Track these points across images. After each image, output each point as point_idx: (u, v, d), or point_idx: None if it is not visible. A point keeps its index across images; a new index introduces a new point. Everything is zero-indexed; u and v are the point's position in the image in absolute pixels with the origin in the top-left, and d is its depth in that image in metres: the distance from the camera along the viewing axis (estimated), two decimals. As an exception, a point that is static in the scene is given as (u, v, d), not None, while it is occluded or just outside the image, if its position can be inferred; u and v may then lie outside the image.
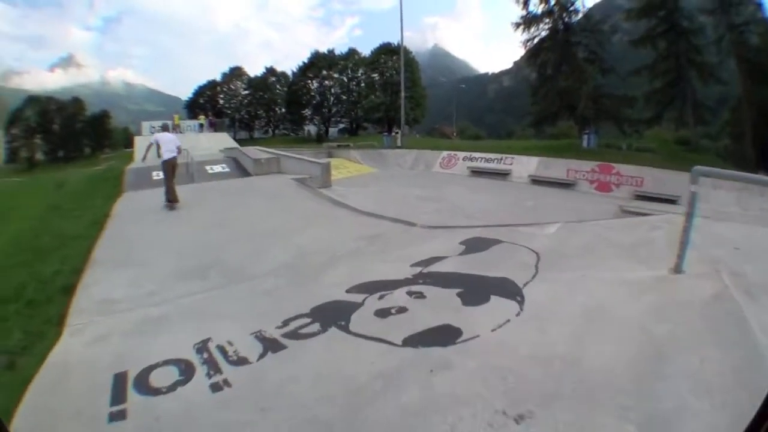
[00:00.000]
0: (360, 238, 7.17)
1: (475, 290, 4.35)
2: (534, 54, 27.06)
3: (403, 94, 34.99)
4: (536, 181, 17.86)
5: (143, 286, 5.43)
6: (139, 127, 40.25)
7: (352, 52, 70.00)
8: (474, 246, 6.11)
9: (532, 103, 29.09)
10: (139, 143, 29.68)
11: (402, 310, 3.99)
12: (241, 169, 17.51)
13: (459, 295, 4.25)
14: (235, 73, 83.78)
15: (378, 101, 60.91)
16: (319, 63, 68.51)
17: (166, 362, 3.38)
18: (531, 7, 25.94)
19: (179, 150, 11.17)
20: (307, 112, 71.47)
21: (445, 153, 23.03)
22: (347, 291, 4.59)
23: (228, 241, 7.40)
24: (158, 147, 11.06)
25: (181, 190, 11.36)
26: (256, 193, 12.40)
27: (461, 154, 22.04)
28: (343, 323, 3.82)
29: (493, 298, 4.10)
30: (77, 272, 5.98)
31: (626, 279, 4.35)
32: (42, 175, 37.29)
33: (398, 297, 4.32)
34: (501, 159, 20.09)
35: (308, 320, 3.93)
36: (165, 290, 5.30)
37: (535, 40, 26.46)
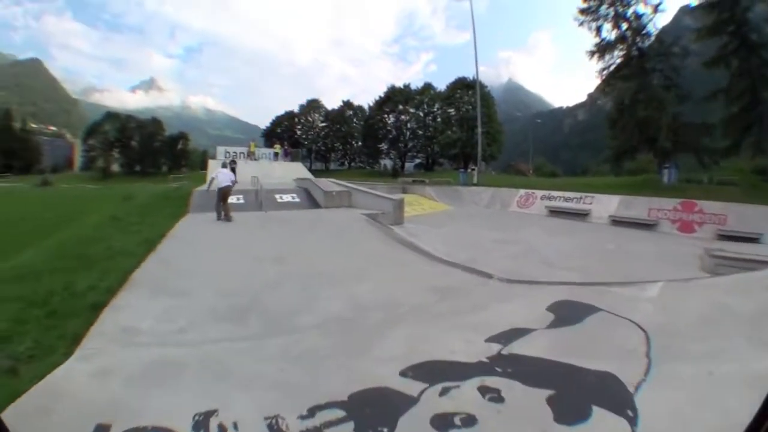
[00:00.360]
0: (428, 290, 6.19)
1: (571, 394, 3.05)
2: (609, 83, 25.86)
3: (480, 129, 33.96)
4: (617, 221, 16.45)
5: (173, 320, 4.96)
6: (215, 151, 41.52)
7: (427, 87, 69.79)
8: (564, 315, 4.78)
9: (610, 137, 27.50)
10: (212, 166, 30.81)
11: (470, 420, 2.79)
12: (311, 201, 17.34)
13: (550, 401, 2.96)
14: (313, 105, 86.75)
15: (454, 137, 59.94)
16: (395, 97, 69.06)
17: (155, 430, 2.71)
18: (604, 34, 25.09)
19: (233, 182, 13.69)
20: (384, 146, 71.79)
21: (522, 191, 21.82)
22: (401, 374, 3.47)
23: (280, 279, 6.73)
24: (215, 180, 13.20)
25: (245, 218, 12.17)
26: (322, 226, 11.99)
27: (539, 193, 20.82)
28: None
29: (596, 412, 2.79)
30: (111, 291, 5.74)
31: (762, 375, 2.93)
32: (115, 186, 39.23)
33: (467, 395, 3.13)
34: (580, 198, 18.80)
35: (341, 414, 2.90)
36: (194, 329, 4.76)
37: (611, 68, 25.32)
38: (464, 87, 62.03)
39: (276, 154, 40.84)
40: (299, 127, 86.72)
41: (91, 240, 8.95)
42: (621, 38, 24.61)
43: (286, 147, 48.13)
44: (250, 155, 38.16)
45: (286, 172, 27.44)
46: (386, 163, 71.59)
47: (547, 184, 27.13)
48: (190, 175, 55.60)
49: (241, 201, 16.49)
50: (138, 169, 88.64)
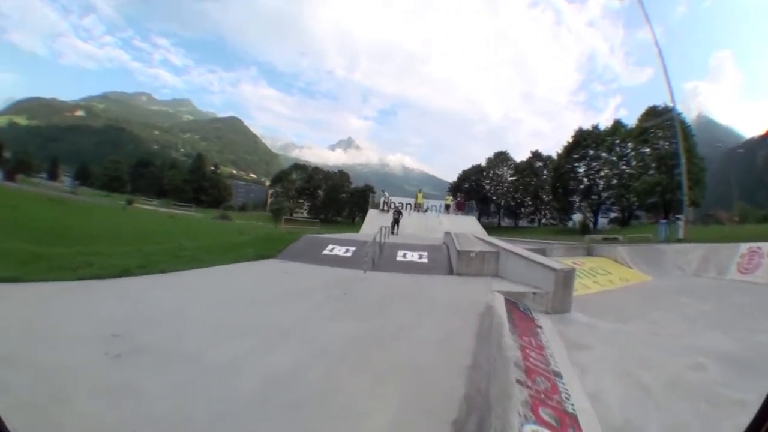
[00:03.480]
0: None
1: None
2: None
3: (683, 160, 26.54)
4: None
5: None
6: (381, 197, 39.75)
7: (617, 125, 61.34)
8: None
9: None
10: (370, 215, 30.64)
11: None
12: (446, 263, 13.00)
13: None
14: (500, 158, 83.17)
15: (652, 181, 49.73)
16: (584, 141, 62.03)
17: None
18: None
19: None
20: (575, 199, 64.49)
21: (743, 247, 15.13)
22: None
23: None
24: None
25: (323, 275, 10.45)
26: (424, 311, 7.26)
27: (768, 248, 13.87)
28: None
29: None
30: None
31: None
32: (294, 228, 40.46)
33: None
34: None
35: None
36: None
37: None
38: (655, 115, 51.48)
39: (447, 207, 37.04)
40: (487, 181, 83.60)
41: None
42: None
43: (459, 198, 44.28)
44: (417, 206, 35.47)
45: (453, 227, 23.14)
46: (579, 218, 63.82)
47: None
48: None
49: (349, 254, 13.64)
50: (322, 217, 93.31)
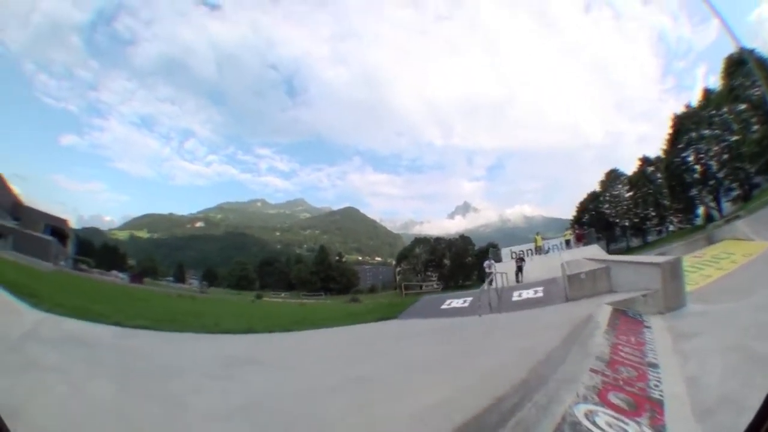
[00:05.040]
0: None
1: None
2: None
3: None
4: None
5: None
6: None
7: (706, 95, 54.56)
8: None
9: None
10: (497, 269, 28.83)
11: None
12: (562, 293, 12.52)
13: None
14: (611, 176, 77.86)
15: (758, 137, 42.44)
16: (683, 126, 55.45)
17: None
18: None
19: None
20: (693, 192, 56.92)
21: None
22: None
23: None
24: None
25: (438, 325, 11.02)
26: (522, 333, 7.37)
27: None
28: None
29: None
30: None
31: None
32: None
33: None
34: None
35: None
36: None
37: None
38: (734, 65, 44.22)
39: (567, 242, 35.44)
40: (606, 205, 79.06)
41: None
42: None
43: (577, 231, 42.07)
44: (538, 249, 34.12)
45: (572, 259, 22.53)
46: (708, 211, 57.00)
47: None
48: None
49: (466, 305, 14.02)
50: (452, 284, 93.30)
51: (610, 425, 3.03)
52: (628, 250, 62.66)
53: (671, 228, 65.83)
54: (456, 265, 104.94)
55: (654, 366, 4.80)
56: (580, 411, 3.13)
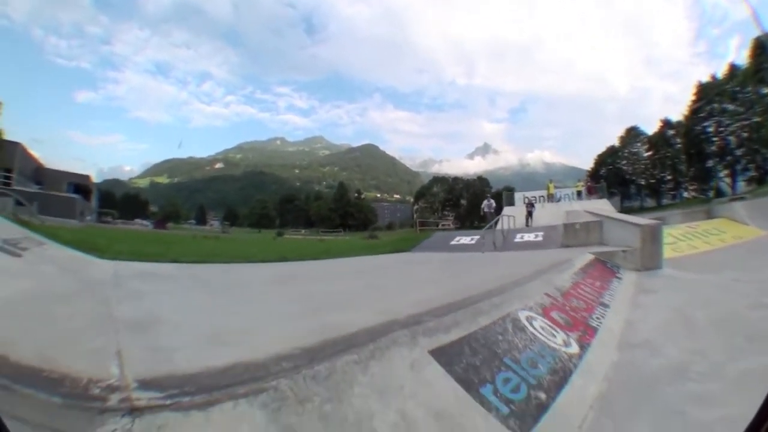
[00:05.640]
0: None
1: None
2: None
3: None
4: None
5: None
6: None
7: (732, 70, 53.15)
8: None
9: None
10: (504, 212, 29.66)
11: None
12: (560, 239, 13.72)
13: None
14: (631, 133, 76.47)
15: None
16: (707, 96, 54.87)
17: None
18: None
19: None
20: (711, 164, 57.25)
21: None
22: None
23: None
24: None
25: (444, 258, 12.44)
26: (508, 267, 8.49)
27: None
28: None
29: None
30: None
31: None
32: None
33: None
34: None
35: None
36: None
37: None
38: (762, 48, 44.39)
39: (579, 193, 36.44)
40: (623, 161, 78.07)
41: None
42: None
43: (588, 184, 42.91)
44: (550, 197, 35.25)
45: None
46: (721, 186, 56.36)
47: None
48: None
49: (473, 242, 15.46)
50: (467, 224, 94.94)
51: (543, 329, 4.25)
52: (641, 210, 62.80)
53: (685, 195, 65.49)
54: (473, 205, 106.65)
55: (605, 305, 6.05)
56: (523, 314, 4.39)
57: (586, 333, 4.69)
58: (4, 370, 2.17)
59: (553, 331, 4.31)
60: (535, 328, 4.15)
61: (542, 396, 3.08)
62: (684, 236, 13.76)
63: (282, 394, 2.09)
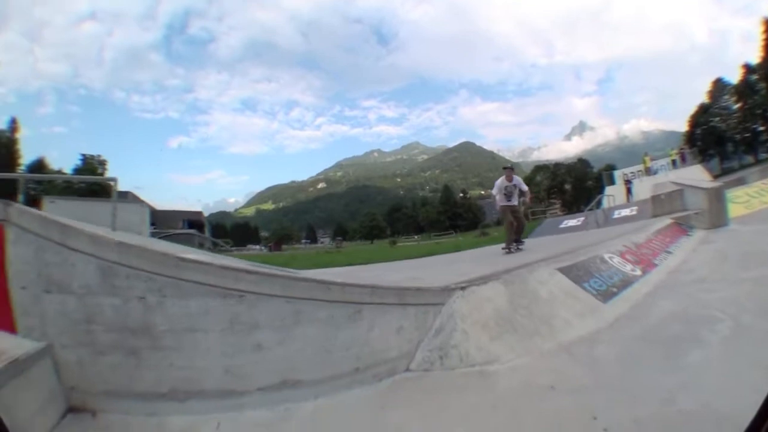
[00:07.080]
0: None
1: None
2: None
3: None
4: None
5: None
6: (612, 176, 39.69)
7: None
8: None
9: None
10: (608, 191, 30.77)
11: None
12: (651, 211, 16.15)
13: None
14: (718, 86, 70.90)
15: None
16: None
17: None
18: None
19: (508, 194, 11.46)
20: None
21: None
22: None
23: None
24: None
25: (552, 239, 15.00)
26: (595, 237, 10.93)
27: None
28: None
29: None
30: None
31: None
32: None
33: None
34: None
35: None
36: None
37: None
38: None
39: (674, 161, 36.41)
40: (716, 119, 72.39)
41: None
42: None
43: (682, 150, 42.12)
44: (647, 170, 35.74)
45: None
46: None
47: None
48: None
49: (579, 223, 18.21)
50: (574, 209, 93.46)
51: (619, 263, 7.73)
52: (741, 169, 58.71)
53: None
54: (577, 190, 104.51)
55: (669, 252, 9.24)
56: (606, 255, 7.87)
57: (648, 266, 8.04)
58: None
59: (625, 264, 7.79)
60: (613, 262, 7.65)
61: (614, 290, 6.61)
62: (757, 193, 15.45)
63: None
